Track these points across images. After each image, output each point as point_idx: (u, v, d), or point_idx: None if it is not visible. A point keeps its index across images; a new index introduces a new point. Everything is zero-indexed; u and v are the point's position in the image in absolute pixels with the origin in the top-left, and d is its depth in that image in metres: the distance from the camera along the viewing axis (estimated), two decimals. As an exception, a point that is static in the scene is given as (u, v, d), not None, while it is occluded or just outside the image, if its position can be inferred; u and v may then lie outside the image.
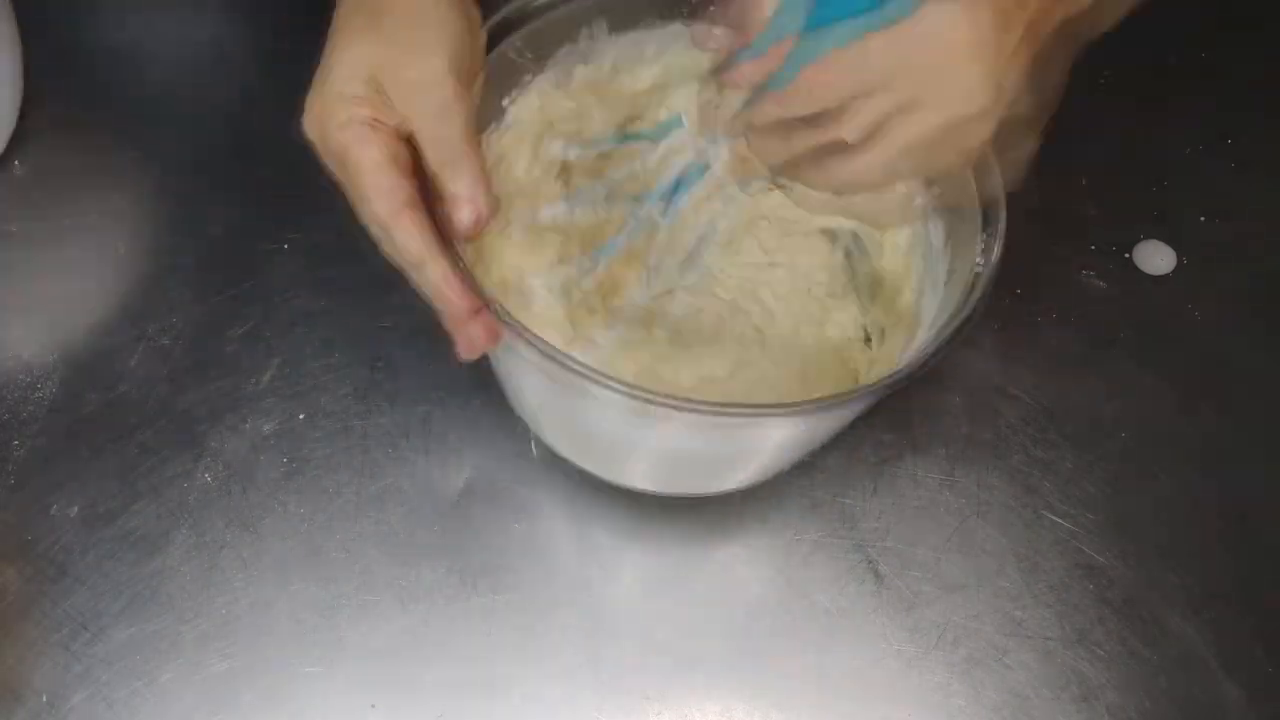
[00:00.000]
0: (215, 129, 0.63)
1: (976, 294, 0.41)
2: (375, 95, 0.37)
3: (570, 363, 0.37)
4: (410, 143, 0.39)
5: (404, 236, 0.37)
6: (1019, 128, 0.38)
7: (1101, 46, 0.40)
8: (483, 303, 0.38)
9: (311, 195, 0.62)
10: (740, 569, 0.51)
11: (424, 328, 0.56)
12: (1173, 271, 0.60)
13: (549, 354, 0.38)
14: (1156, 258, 0.61)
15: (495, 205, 0.39)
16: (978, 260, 0.42)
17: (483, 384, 0.54)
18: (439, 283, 0.38)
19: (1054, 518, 0.53)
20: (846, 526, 0.52)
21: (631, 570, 0.51)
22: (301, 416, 0.53)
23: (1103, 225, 0.61)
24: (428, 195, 0.39)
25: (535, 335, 0.38)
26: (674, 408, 0.37)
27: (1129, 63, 0.67)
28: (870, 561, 0.51)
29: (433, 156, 0.38)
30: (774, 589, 0.50)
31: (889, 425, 0.55)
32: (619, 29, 0.49)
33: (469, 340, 0.39)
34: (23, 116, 0.61)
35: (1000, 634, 0.50)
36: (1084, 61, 0.68)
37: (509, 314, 0.39)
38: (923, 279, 0.48)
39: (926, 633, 0.50)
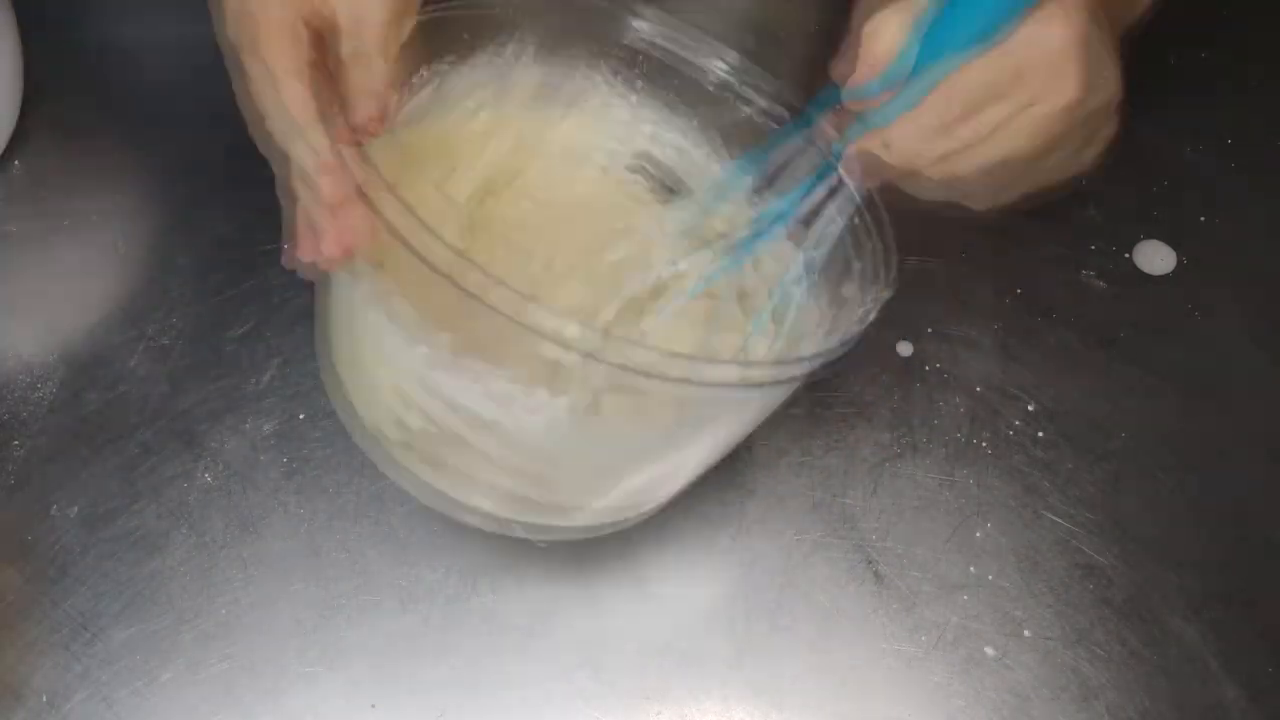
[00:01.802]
0: (215, 129, 0.62)
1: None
2: None
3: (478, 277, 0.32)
4: (320, 37, 0.37)
5: (293, 96, 0.36)
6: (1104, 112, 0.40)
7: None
8: (358, 187, 0.35)
9: (311, 195, 0.61)
10: (740, 569, 0.51)
11: (424, 328, 0.56)
12: (1173, 271, 0.60)
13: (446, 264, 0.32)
14: (1156, 258, 0.61)
15: (394, 112, 0.39)
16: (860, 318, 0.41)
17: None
18: (319, 151, 0.35)
19: (1054, 518, 0.53)
20: (846, 526, 0.52)
21: (631, 570, 0.51)
22: (301, 416, 0.53)
23: (1103, 225, 0.61)
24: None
25: (426, 230, 0.33)
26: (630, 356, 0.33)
27: (1129, 63, 0.67)
28: (870, 561, 0.51)
29: (350, 41, 0.37)
30: (774, 589, 0.50)
31: (889, 425, 0.55)
32: (546, 50, 0.47)
33: (336, 234, 0.35)
34: (23, 116, 0.61)
35: (1000, 634, 0.50)
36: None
37: (396, 200, 0.34)
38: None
39: (926, 633, 0.50)
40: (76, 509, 0.50)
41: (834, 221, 0.43)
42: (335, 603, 0.49)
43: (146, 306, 0.56)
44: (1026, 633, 0.50)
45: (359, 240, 0.35)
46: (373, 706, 0.47)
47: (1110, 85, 0.39)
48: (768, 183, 0.47)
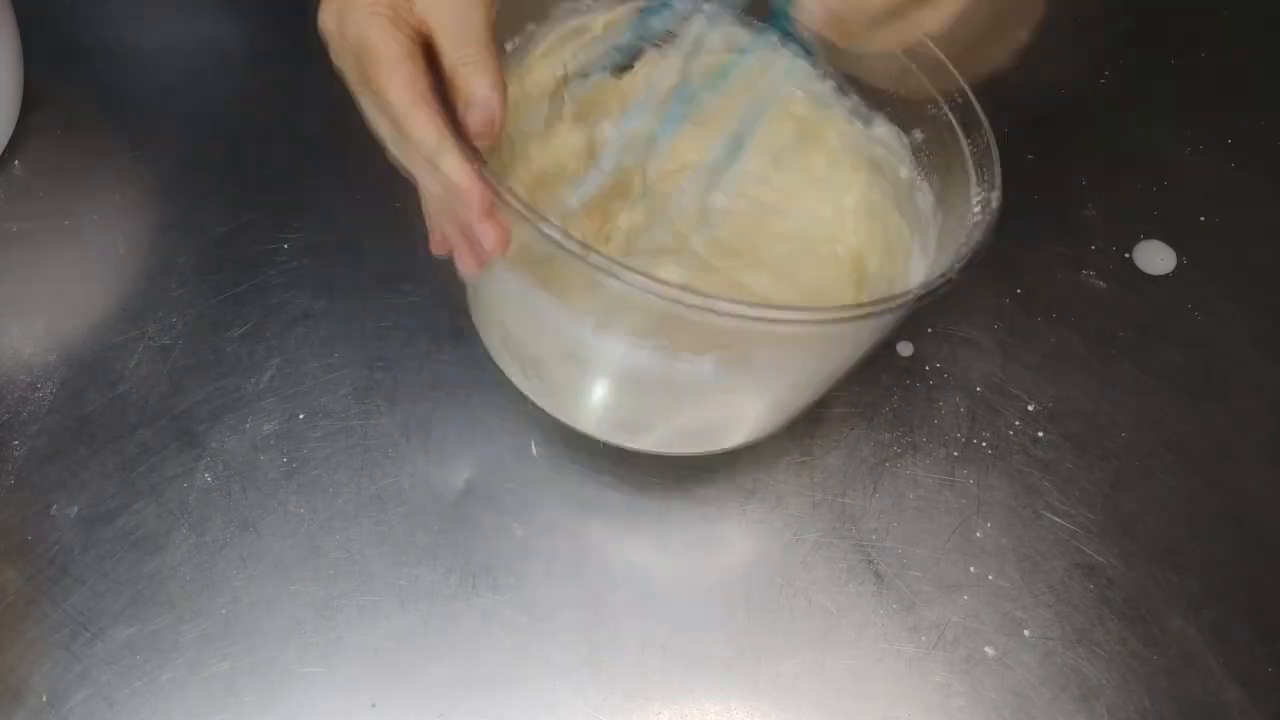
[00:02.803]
0: (215, 129, 0.63)
1: (975, 242, 0.40)
2: None
3: (612, 265, 0.35)
4: (427, 47, 0.38)
5: (421, 125, 0.37)
6: (1019, 14, 0.40)
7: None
8: (497, 197, 0.37)
9: (311, 195, 0.62)
10: (740, 569, 0.51)
11: (424, 327, 0.56)
12: (1173, 271, 0.60)
13: (577, 254, 0.36)
14: (1156, 258, 0.61)
15: (504, 114, 0.39)
16: (975, 211, 0.41)
17: (483, 384, 0.54)
18: (456, 172, 0.37)
19: (1054, 518, 0.53)
20: (846, 526, 0.52)
21: (631, 570, 0.51)
22: (301, 416, 0.53)
23: (1103, 225, 0.61)
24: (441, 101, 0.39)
25: (561, 231, 0.36)
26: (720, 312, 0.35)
27: (1129, 63, 0.67)
28: (870, 561, 0.51)
29: (450, 56, 0.38)
30: (774, 589, 0.50)
31: (889, 425, 0.55)
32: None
33: (487, 241, 0.38)
34: (23, 116, 0.61)
35: (1000, 634, 0.50)
36: (1084, 62, 0.68)
37: (525, 204, 0.37)
38: (909, 245, 0.48)
39: (926, 633, 0.50)
40: (76, 509, 0.50)
41: None
42: (335, 603, 0.49)
43: (146, 306, 0.56)
44: (1026, 633, 0.50)
45: (496, 252, 0.38)
46: (373, 706, 0.47)
47: None
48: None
